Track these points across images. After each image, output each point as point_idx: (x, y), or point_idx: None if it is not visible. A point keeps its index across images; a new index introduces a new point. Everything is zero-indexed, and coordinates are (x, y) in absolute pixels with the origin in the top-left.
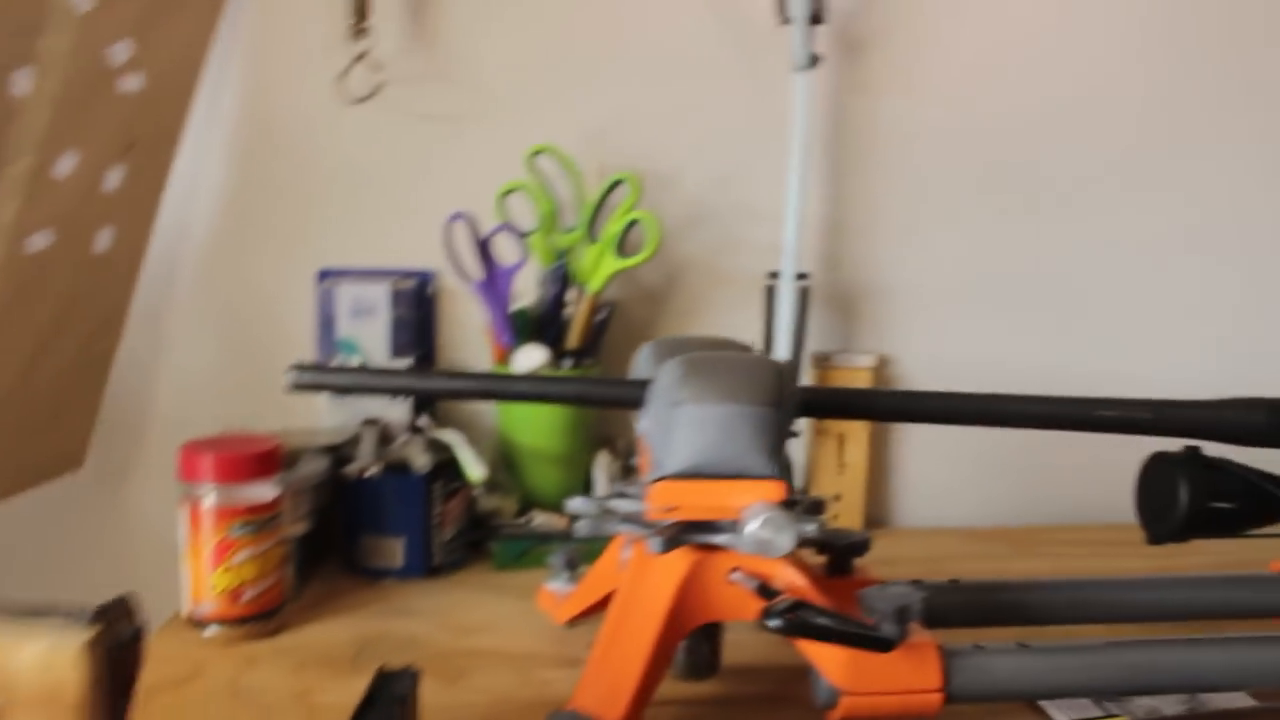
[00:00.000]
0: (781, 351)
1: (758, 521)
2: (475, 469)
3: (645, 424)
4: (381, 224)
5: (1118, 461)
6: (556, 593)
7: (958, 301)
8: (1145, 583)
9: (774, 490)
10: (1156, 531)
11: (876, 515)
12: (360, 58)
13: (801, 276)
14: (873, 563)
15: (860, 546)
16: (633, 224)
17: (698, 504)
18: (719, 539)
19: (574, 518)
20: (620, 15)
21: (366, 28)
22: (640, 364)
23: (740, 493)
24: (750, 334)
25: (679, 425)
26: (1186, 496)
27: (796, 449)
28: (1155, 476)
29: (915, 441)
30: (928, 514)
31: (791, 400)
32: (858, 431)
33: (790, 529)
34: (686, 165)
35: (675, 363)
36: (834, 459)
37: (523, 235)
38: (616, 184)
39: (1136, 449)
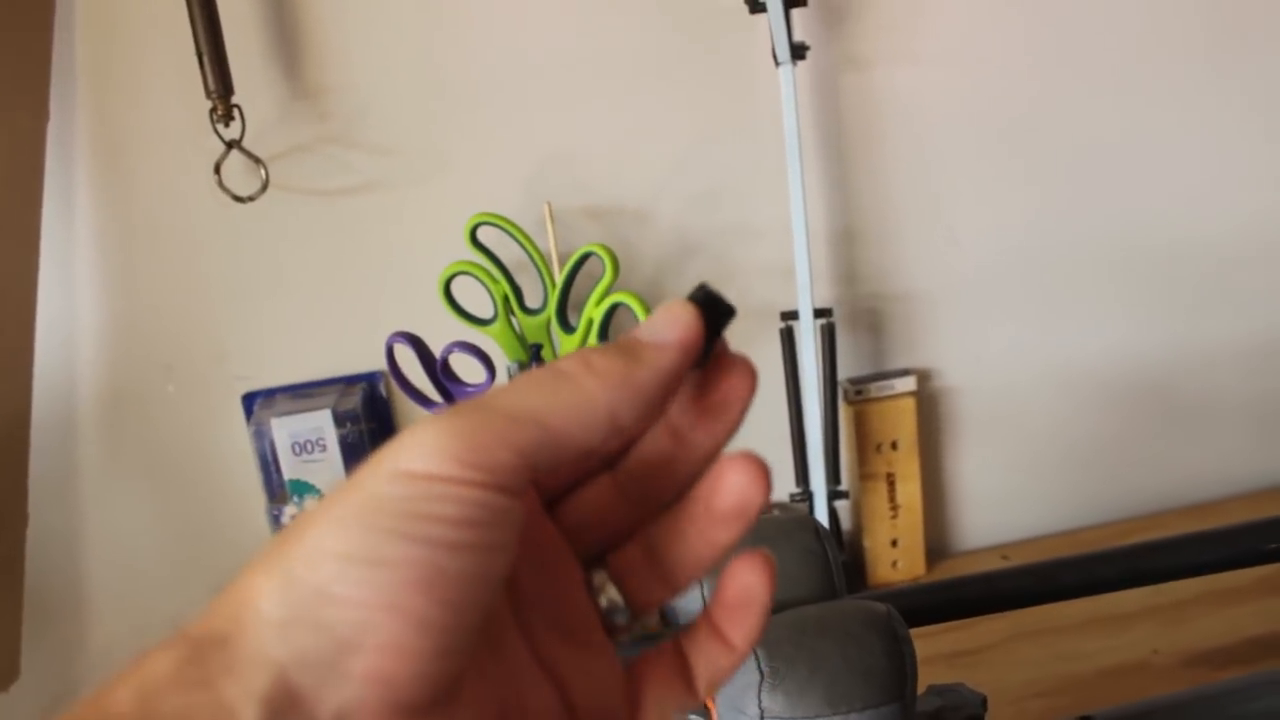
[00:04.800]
0: (811, 405)
1: None
2: None
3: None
4: (308, 328)
5: (1188, 448)
6: None
7: (999, 291)
8: None
9: None
10: None
11: (937, 545)
12: (233, 145)
13: (822, 313)
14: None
15: (977, 718)
16: (615, 308)
17: None
18: None
19: None
20: (549, 24)
21: (234, 108)
22: None
23: None
24: (770, 381)
25: None
26: None
27: (843, 506)
28: None
29: (970, 454)
30: (991, 528)
31: (914, 673)
32: (908, 466)
33: None
34: (662, 189)
35: None
36: (885, 503)
37: (482, 325)
38: (585, 257)
39: (1210, 436)
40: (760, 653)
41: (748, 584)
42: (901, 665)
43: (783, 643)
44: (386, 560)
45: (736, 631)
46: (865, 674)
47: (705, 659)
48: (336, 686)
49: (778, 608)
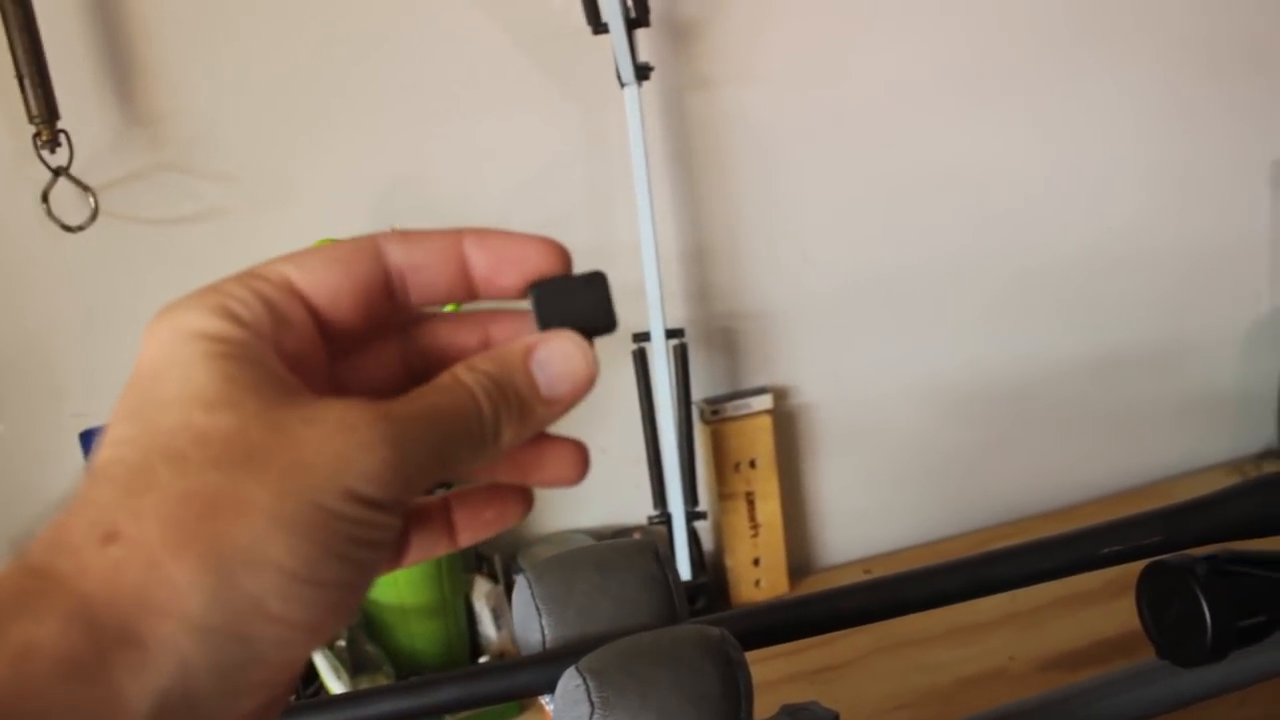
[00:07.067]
0: (666, 427)
1: None
2: (335, 682)
3: None
4: None
5: (1045, 456)
6: None
7: (854, 308)
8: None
9: None
10: (1177, 657)
11: (800, 563)
12: (61, 173)
13: (674, 334)
14: None
15: None
16: None
17: None
18: None
19: None
20: (395, 46)
21: (60, 133)
22: (521, 608)
23: None
24: (627, 403)
25: None
26: (1211, 618)
27: (703, 526)
28: (1164, 592)
29: (830, 470)
30: (854, 543)
31: (748, 697)
32: (767, 485)
33: None
34: (509, 211)
35: (575, 683)
36: (746, 523)
37: None
38: None
39: (1066, 443)
40: (591, 683)
41: (499, 519)
42: (735, 689)
43: (614, 671)
44: (326, 582)
45: (465, 538)
46: (697, 700)
47: (425, 540)
48: (230, 694)
49: (616, 634)
